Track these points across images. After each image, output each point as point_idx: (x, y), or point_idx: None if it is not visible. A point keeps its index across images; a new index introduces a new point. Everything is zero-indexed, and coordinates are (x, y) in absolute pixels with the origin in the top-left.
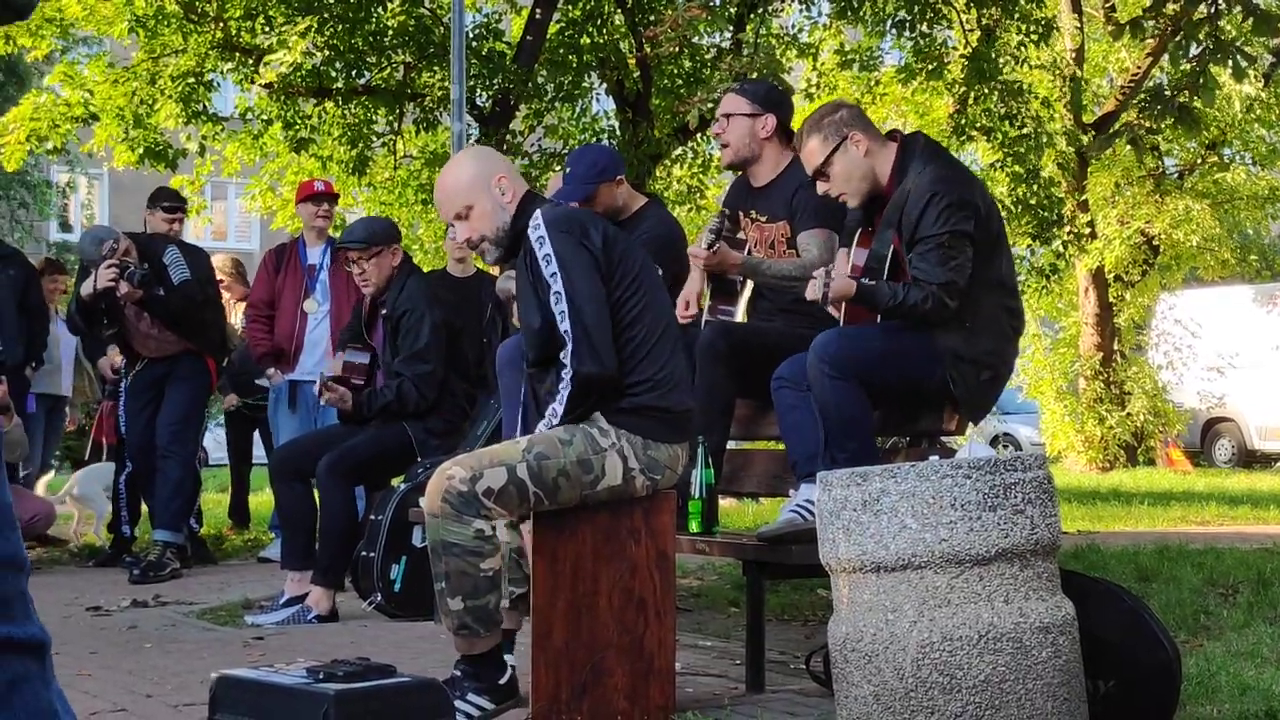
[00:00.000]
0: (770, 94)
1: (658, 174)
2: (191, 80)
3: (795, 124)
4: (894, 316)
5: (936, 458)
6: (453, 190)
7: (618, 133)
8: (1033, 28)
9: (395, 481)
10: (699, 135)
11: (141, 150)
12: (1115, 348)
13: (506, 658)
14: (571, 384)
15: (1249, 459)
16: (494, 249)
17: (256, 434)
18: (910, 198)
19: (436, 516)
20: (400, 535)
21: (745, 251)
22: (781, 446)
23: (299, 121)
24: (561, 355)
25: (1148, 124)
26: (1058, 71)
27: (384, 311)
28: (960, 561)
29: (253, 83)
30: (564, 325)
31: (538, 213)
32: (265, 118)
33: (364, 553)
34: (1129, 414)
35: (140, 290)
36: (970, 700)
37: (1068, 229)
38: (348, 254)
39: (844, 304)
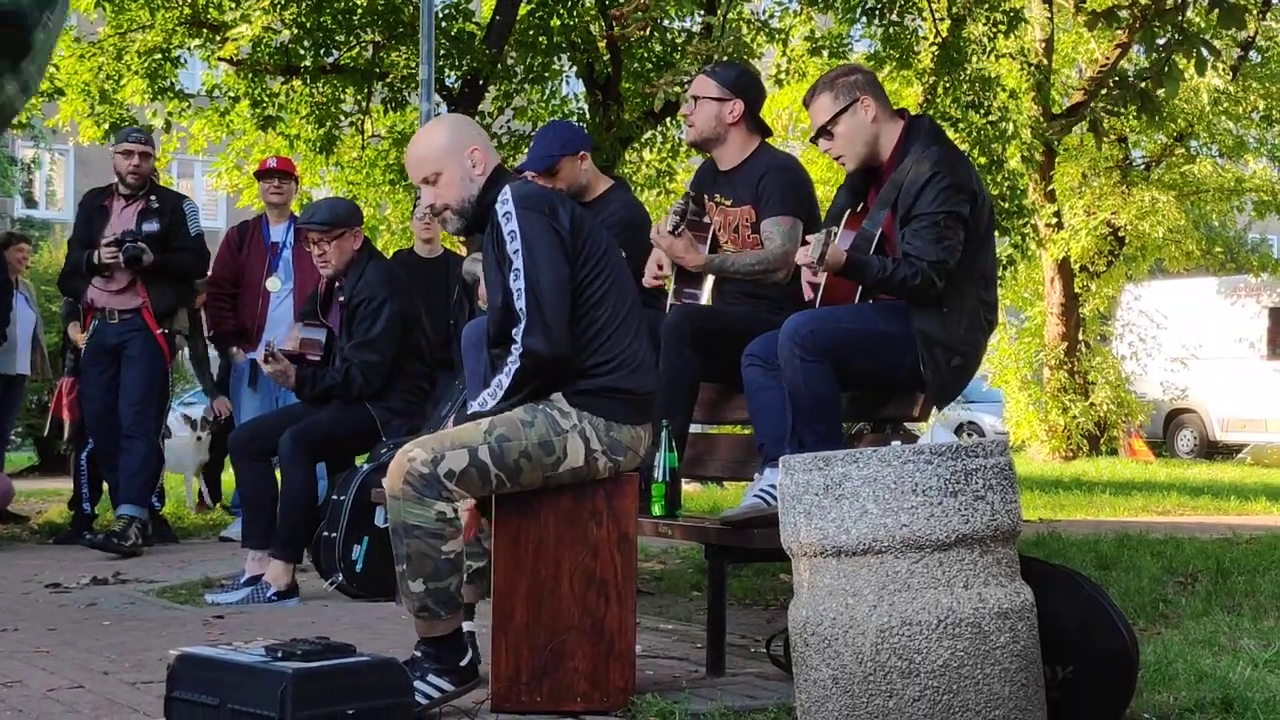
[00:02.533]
0: (740, 79)
1: (627, 157)
2: (158, 56)
3: (766, 112)
4: (881, 290)
5: (899, 443)
6: (424, 154)
7: (587, 115)
8: (1001, 17)
9: (358, 461)
10: (669, 119)
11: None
12: (1080, 338)
13: (466, 625)
14: (520, 360)
15: (1211, 450)
16: (457, 219)
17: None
18: (910, 176)
19: (398, 498)
20: (362, 515)
21: (710, 234)
22: (746, 431)
23: (266, 99)
24: (514, 332)
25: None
26: (1025, 62)
27: (341, 297)
28: (921, 546)
29: (220, 59)
30: (519, 303)
31: (506, 188)
32: (232, 95)
33: (326, 533)
34: (1092, 404)
35: (135, 263)
36: (929, 685)
37: (1028, 221)
38: (309, 234)
39: (822, 283)
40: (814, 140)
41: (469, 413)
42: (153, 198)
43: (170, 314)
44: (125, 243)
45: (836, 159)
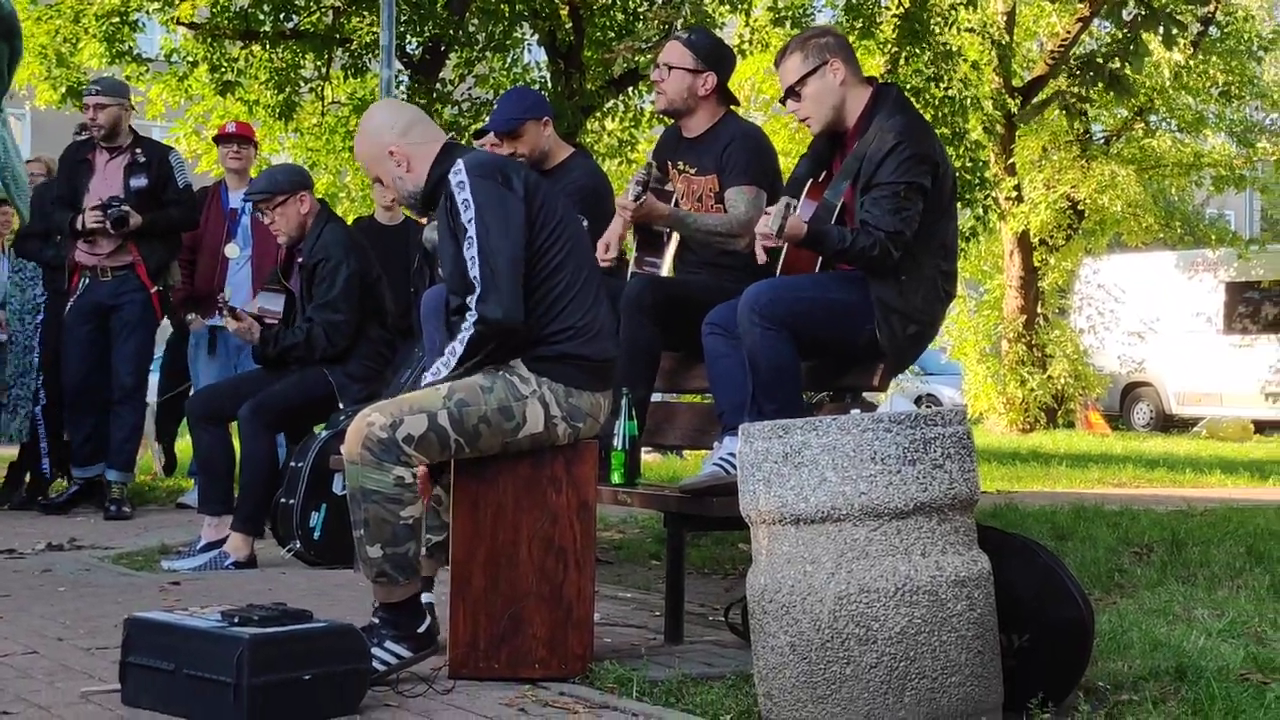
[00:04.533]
0: (715, 50)
1: (589, 126)
2: (116, 19)
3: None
4: (840, 260)
5: (858, 412)
6: (362, 161)
7: (549, 84)
8: None
9: (317, 429)
10: (630, 88)
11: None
12: (1039, 311)
13: (425, 596)
14: (474, 327)
15: (1166, 423)
16: (413, 206)
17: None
18: (874, 145)
19: (356, 463)
20: (320, 482)
21: (672, 204)
22: (706, 400)
23: (225, 64)
24: (468, 299)
25: (1079, 91)
26: (987, 35)
27: (299, 260)
28: (879, 514)
29: (178, 23)
30: (473, 271)
31: (459, 161)
32: (191, 59)
33: (283, 500)
34: (1050, 377)
35: (121, 225)
36: (885, 652)
37: (989, 194)
38: (256, 204)
39: (783, 252)
40: (783, 101)
41: (424, 382)
42: (138, 151)
43: (162, 270)
44: (110, 206)
45: (802, 120)
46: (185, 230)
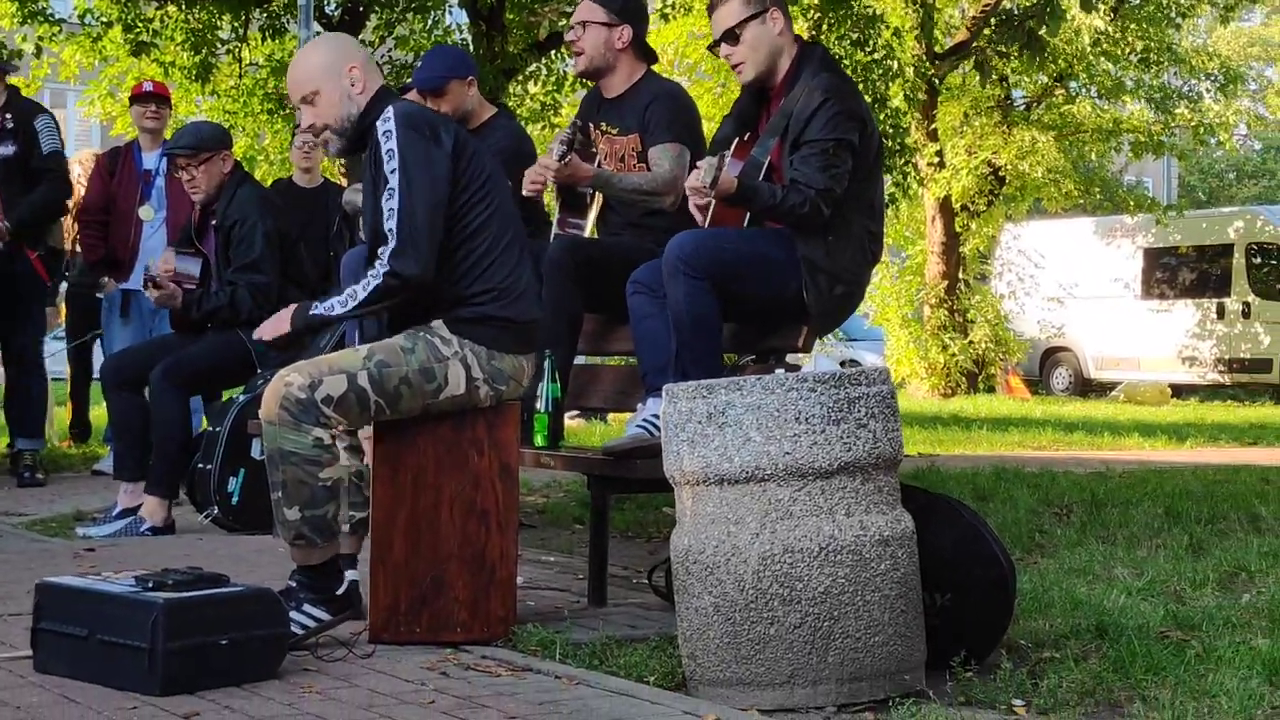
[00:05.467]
0: (628, 4)
1: (511, 90)
2: None
3: (651, 39)
4: (770, 217)
5: (782, 372)
6: (302, 74)
7: (471, 46)
8: None
9: (233, 392)
10: (553, 51)
11: None
12: (960, 276)
13: (349, 574)
14: (383, 278)
15: (1085, 388)
16: (337, 139)
17: (98, 346)
18: (801, 103)
19: (274, 424)
20: (239, 447)
21: (596, 164)
22: (629, 362)
23: (140, 25)
24: (380, 250)
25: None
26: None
27: (214, 221)
28: (803, 474)
29: None
30: (390, 223)
31: (389, 108)
32: (105, 20)
33: (200, 465)
34: (971, 342)
35: None
36: (809, 611)
37: (909, 160)
38: (176, 160)
39: (711, 208)
40: (714, 45)
41: (311, 313)
42: (7, 116)
43: (41, 237)
44: None
45: (735, 66)
46: (59, 203)
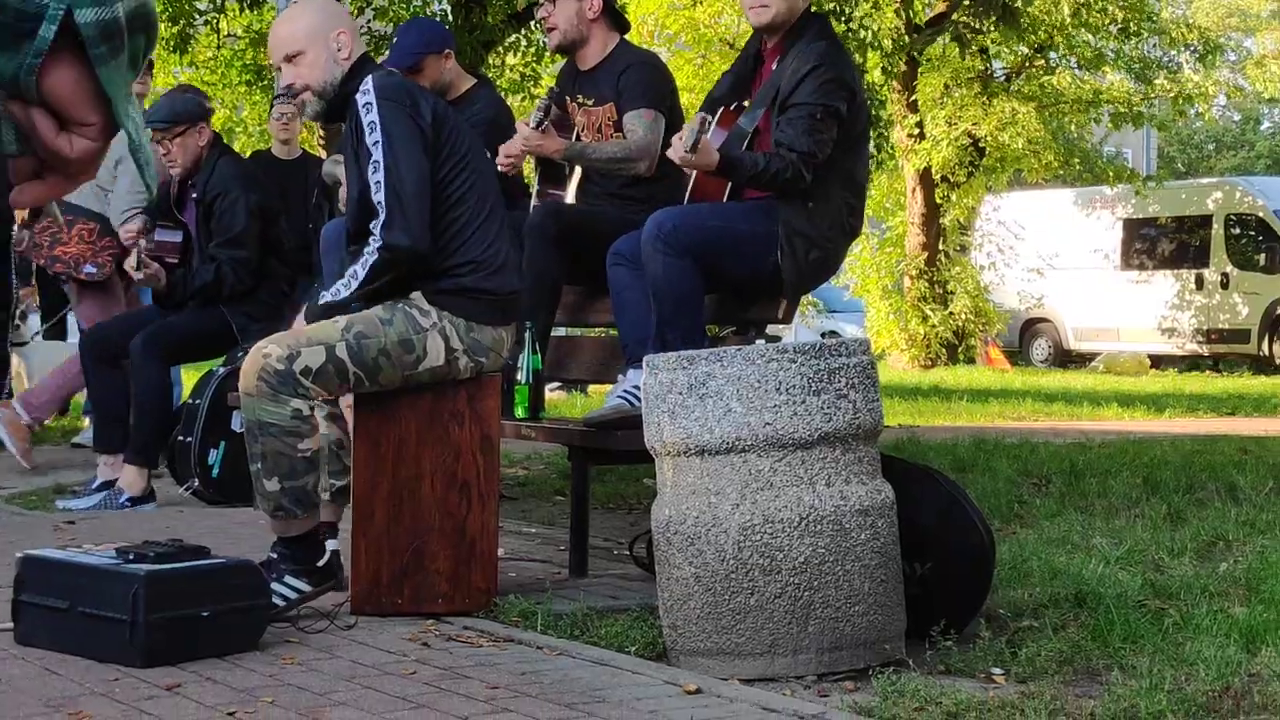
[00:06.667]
0: None
1: (491, 61)
2: None
3: (631, 11)
4: (753, 185)
5: (763, 343)
6: (288, 32)
7: (450, 17)
8: None
9: (214, 364)
10: (532, 23)
11: None
12: (940, 248)
13: (330, 543)
14: (378, 253)
15: (1065, 359)
16: (316, 101)
17: (72, 319)
18: (792, 67)
19: (252, 396)
20: (219, 420)
21: (574, 136)
22: (610, 334)
23: None
24: (372, 224)
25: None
26: None
27: (194, 195)
28: (784, 445)
29: None
30: (378, 196)
31: (369, 78)
32: None
33: (181, 437)
34: (951, 313)
35: None
36: (790, 581)
37: (883, 133)
38: (152, 134)
39: (692, 180)
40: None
41: (319, 303)
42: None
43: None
44: None
45: (753, 7)
46: None
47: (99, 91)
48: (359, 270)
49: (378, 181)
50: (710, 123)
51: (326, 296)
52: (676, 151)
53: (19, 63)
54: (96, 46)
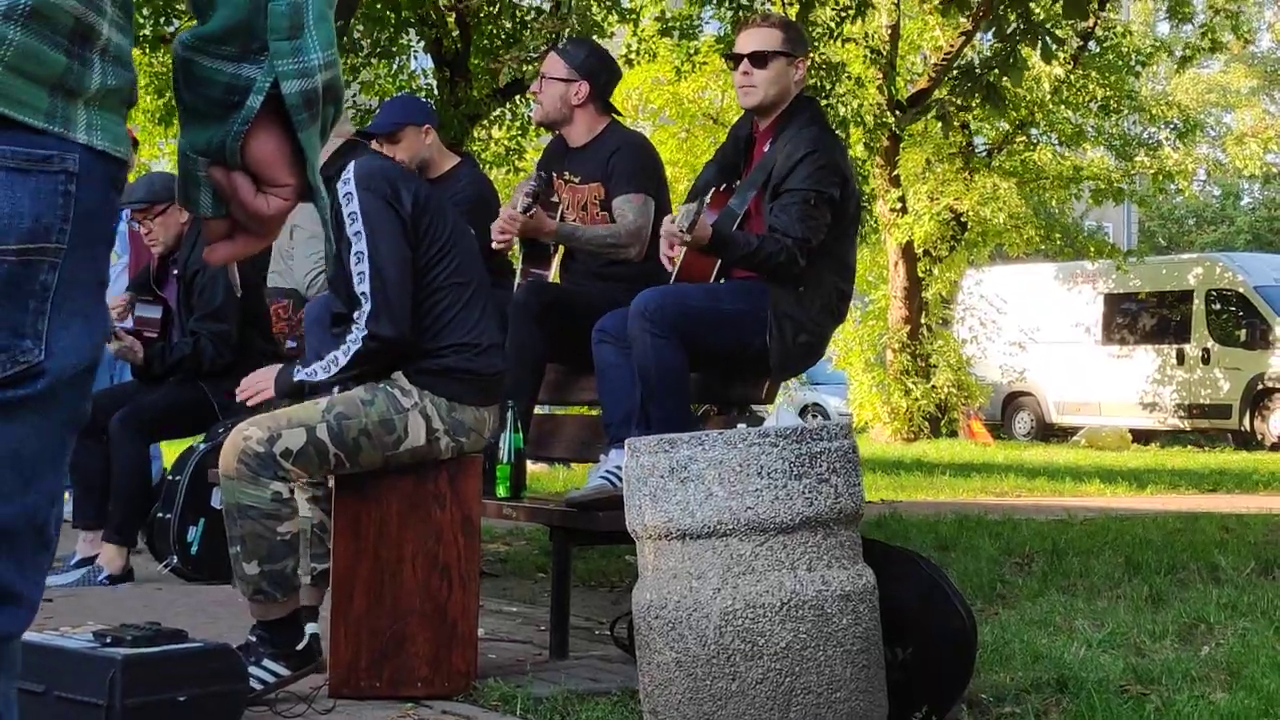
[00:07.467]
0: (588, 60)
1: (476, 135)
2: None
3: (618, 92)
4: (745, 266)
5: (744, 426)
6: None
7: (435, 91)
8: (849, 2)
9: (194, 441)
10: (517, 96)
11: None
12: (922, 321)
13: (309, 627)
14: (362, 343)
15: (1047, 432)
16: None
17: None
18: (785, 152)
19: (232, 478)
20: (199, 496)
21: (559, 215)
22: (593, 412)
23: None
24: (355, 314)
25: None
26: (870, 48)
27: (175, 271)
28: (765, 529)
29: None
30: (362, 286)
31: (350, 166)
32: None
33: (160, 514)
34: (934, 386)
35: None
36: (771, 667)
37: (865, 209)
38: (132, 214)
39: (681, 259)
40: (732, 57)
41: (293, 379)
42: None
43: None
44: None
45: (742, 88)
46: None
47: (295, 155)
48: (340, 357)
49: (361, 272)
50: (704, 204)
51: (302, 375)
52: (670, 230)
53: (226, 131)
54: (300, 114)
